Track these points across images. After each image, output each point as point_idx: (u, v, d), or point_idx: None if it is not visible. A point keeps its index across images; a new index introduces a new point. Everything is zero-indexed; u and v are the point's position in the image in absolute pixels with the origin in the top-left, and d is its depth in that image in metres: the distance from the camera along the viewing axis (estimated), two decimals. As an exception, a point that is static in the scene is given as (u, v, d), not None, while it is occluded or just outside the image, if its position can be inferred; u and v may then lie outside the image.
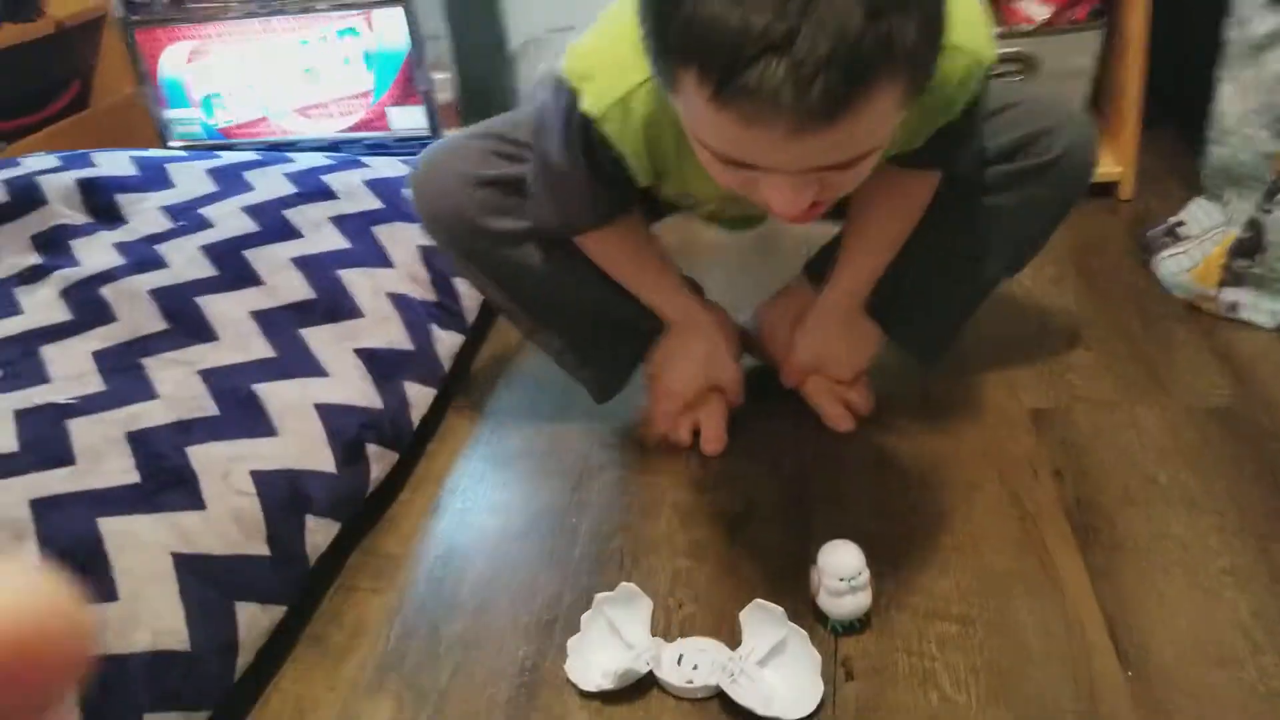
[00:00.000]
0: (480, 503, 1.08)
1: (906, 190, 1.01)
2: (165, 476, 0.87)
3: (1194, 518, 0.99)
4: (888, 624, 0.89)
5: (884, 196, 1.01)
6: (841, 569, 0.85)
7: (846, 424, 1.15)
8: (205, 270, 1.16)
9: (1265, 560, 0.93)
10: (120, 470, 0.87)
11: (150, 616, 0.76)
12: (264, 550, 0.87)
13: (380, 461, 1.03)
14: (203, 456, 0.90)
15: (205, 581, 0.81)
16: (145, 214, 1.31)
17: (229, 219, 1.26)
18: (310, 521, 0.92)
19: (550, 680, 0.86)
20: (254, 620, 0.84)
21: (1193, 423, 1.13)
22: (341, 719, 0.83)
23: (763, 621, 0.86)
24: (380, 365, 1.09)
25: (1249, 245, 1.28)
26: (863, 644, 0.87)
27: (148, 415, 0.94)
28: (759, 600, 0.86)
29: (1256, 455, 1.06)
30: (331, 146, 1.93)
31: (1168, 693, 0.81)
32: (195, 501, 0.86)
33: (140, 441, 0.90)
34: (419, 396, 1.12)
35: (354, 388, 1.05)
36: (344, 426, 1.00)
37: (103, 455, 0.88)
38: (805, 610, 0.91)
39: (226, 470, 0.90)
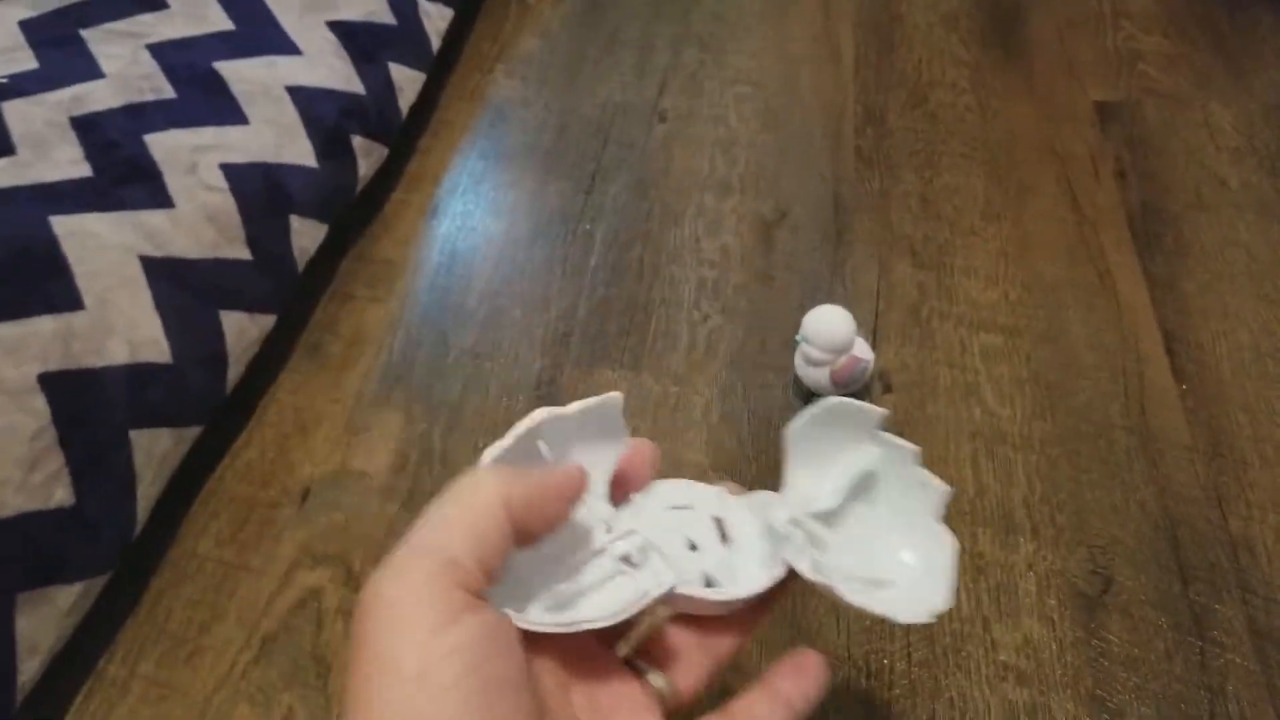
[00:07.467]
0: (483, 205, 0.98)
1: None
2: (121, 168, 0.75)
3: (1265, 224, 0.91)
4: (929, 336, 0.83)
5: None
6: (823, 337, 0.72)
7: None
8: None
9: (1338, 271, 0.86)
10: (69, 161, 0.75)
11: (124, 326, 0.68)
12: (245, 254, 0.78)
13: (368, 156, 0.91)
14: (163, 146, 0.78)
15: (181, 288, 0.73)
16: None
17: None
18: (295, 222, 0.82)
19: (570, 395, 0.81)
20: (241, 330, 0.76)
21: (1272, 123, 1.01)
22: (347, 432, 0.78)
23: (826, 434, 0.39)
24: (360, 42, 0.94)
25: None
26: (902, 357, 0.82)
27: (94, 97, 0.80)
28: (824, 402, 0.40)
29: (1343, 157, 0.96)
30: None
31: (1223, 407, 0.77)
32: (161, 199, 0.75)
33: (87, 127, 0.77)
34: (407, 81, 0.98)
35: (330, 68, 0.90)
36: (322, 113, 0.87)
37: (47, 143, 0.76)
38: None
39: (193, 162, 0.78)
